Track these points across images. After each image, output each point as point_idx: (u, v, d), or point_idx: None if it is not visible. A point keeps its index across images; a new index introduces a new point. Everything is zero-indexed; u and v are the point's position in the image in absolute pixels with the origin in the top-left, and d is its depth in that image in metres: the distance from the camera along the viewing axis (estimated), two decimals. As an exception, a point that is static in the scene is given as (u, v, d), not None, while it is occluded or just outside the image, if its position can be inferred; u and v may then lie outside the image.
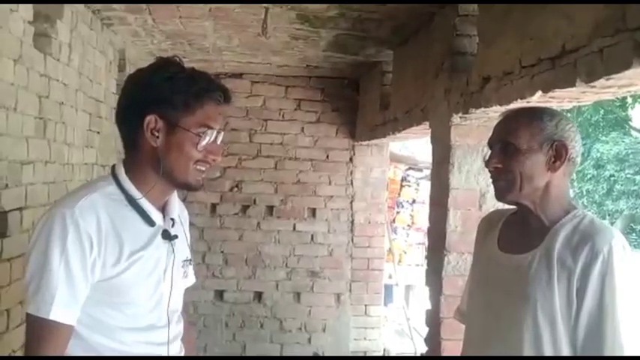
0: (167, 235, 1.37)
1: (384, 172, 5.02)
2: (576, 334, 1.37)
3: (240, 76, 4.82)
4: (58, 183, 2.77)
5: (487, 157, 1.55)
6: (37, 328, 1.22)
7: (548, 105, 1.87)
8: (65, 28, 2.82)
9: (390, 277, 6.27)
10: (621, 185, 16.24)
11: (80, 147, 3.12)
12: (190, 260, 1.48)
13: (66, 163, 2.92)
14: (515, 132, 1.47)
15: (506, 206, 1.64)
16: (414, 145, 6.60)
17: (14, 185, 2.34)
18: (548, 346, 1.40)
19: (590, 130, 19.31)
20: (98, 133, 3.32)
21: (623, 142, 18.19)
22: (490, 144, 1.56)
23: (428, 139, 3.07)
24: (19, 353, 2.44)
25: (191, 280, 1.51)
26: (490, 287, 1.56)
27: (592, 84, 1.56)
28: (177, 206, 1.44)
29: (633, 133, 19.65)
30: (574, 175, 1.56)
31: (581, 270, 1.36)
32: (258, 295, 4.85)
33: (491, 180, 1.56)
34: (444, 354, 2.63)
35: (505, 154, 1.48)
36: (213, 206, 4.83)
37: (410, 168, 6.72)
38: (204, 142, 1.31)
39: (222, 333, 4.75)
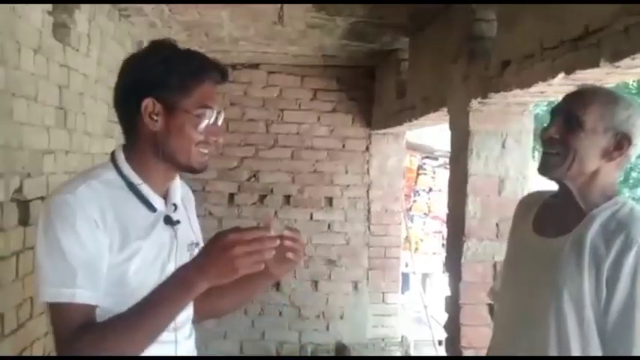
0: (169, 221, 1.33)
1: (400, 160, 5.01)
2: (605, 323, 1.34)
3: (256, 66, 4.82)
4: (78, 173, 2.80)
5: (547, 125, 1.45)
6: (63, 314, 1.16)
7: (569, 87, 1.86)
8: (84, 18, 2.84)
9: (407, 265, 6.27)
10: (638, 173, 16.02)
11: (100, 137, 3.15)
12: (197, 244, 1.42)
13: (87, 152, 2.95)
14: (586, 107, 1.37)
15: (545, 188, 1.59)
16: (430, 133, 6.56)
17: (36, 175, 2.38)
18: (574, 335, 1.37)
19: (608, 117, 19.03)
20: (117, 123, 3.34)
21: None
22: (552, 112, 1.45)
23: (444, 126, 3.06)
24: (42, 341, 2.49)
25: None
26: (521, 269, 1.53)
27: (617, 64, 1.55)
28: (179, 191, 1.40)
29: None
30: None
31: (613, 259, 1.32)
32: (277, 283, 4.86)
33: (541, 150, 1.45)
34: (464, 340, 2.64)
35: (566, 126, 1.39)
36: (231, 196, 4.85)
37: (426, 156, 6.69)
38: (204, 124, 1.27)
39: (242, 320, 4.79)
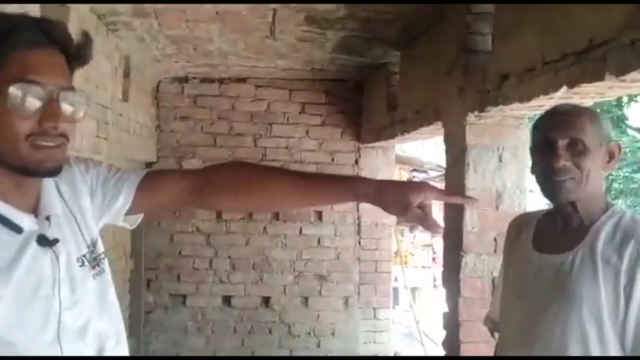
0: (45, 241, 1.01)
1: (389, 173, 4.99)
2: (625, 332, 1.34)
3: (244, 80, 4.78)
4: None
5: (548, 155, 1.42)
6: None
7: (571, 101, 1.84)
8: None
9: (397, 279, 6.24)
10: (619, 184, 16.21)
11: (89, 153, 3.07)
12: (90, 250, 1.11)
13: (74, 169, 2.86)
14: (584, 129, 1.40)
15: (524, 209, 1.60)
16: (414, 146, 6.56)
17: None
18: (595, 345, 1.36)
19: (588, 129, 19.29)
20: (105, 139, 3.27)
21: (620, 140, 18.23)
22: (551, 140, 1.42)
23: (435, 140, 3.05)
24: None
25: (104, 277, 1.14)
26: (528, 290, 1.51)
27: (622, 77, 1.54)
28: (54, 198, 1.08)
29: (630, 131, 19.69)
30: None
31: (627, 267, 1.33)
32: (266, 300, 4.80)
33: (549, 179, 1.43)
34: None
35: (572, 151, 1.40)
36: (219, 211, 4.79)
37: (415, 170, 6.69)
38: (16, 103, 0.92)
39: (231, 339, 4.70)
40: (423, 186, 1.14)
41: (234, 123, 4.78)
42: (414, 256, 6.32)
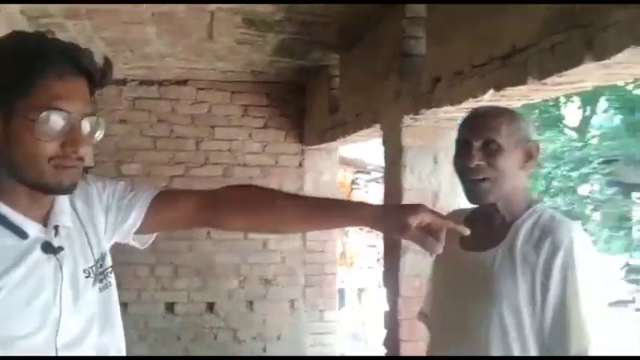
0: (49, 248, 1.08)
1: (334, 175, 5.02)
2: (542, 328, 1.39)
3: (184, 82, 4.71)
4: None
5: (464, 155, 1.48)
6: None
7: (498, 103, 1.90)
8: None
9: (343, 281, 6.28)
10: (558, 182, 16.83)
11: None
12: (99, 263, 1.20)
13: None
14: (498, 130, 1.44)
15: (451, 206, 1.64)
16: (362, 147, 6.63)
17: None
18: (515, 342, 1.41)
19: (528, 129, 19.96)
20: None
21: (558, 140, 18.90)
22: (466, 140, 1.48)
23: (377, 141, 3.08)
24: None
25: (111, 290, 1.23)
26: (455, 286, 1.56)
27: (543, 81, 1.59)
28: (66, 211, 1.16)
29: (567, 131, 20.49)
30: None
31: (543, 264, 1.38)
32: (211, 306, 4.74)
33: (467, 179, 1.48)
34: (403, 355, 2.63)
35: (487, 151, 1.44)
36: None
37: (359, 171, 6.76)
38: (44, 130, 0.99)
39: (174, 346, 4.62)
40: (418, 208, 1.17)
41: (175, 126, 4.70)
42: (358, 256, 6.38)
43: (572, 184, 16.19)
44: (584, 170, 15.54)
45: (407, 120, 2.59)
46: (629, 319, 6.50)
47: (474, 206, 1.57)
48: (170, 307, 4.68)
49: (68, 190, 1.08)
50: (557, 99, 19.90)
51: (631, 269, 6.55)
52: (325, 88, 4.15)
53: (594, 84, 1.68)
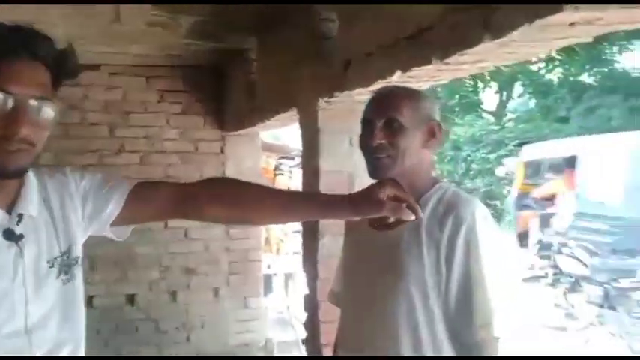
0: (11, 235, 1.11)
1: (256, 161, 4.97)
2: (447, 303, 1.42)
3: (97, 67, 4.50)
4: None
5: (367, 134, 1.51)
6: None
7: (408, 84, 1.93)
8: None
9: (269, 266, 6.27)
10: (477, 165, 17.49)
11: None
12: (66, 254, 1.20)
13: None
14: (400, 109, 1.47)
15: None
16: (288, 133, 6.61)
17: None
18: (422, 316, 1.44)
19: (448, 114, 20.64)
20: None
21: (477, 124, 19.64)
22: (369, 120, 1.52)
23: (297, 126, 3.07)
24: None
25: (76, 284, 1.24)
26: (364, 265, 1.58)
27: (446, 60, 1.62)
28: (33, 200, 1.18)
29: (485, 115, 21.30)
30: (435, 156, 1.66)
31: (447, 239, 1.42)
32: (131, 298, 4.61)
33: (370, 157, 1.52)
34: (323, 337, 2.65)
35: (388, 130, 1.47)
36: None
37: (282, 157, 6.74)
38: None
39: (94, 339, 4.45)
40: (384, 183, 1.20)
41: (88, 113, 4.50)
42: (284, 242, 6.38)
43: (489, 166, 16.86)
44: (501, 152, 16.21)
45: (322, 103, 2.59)
46: (541, 294, 6.84)
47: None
48: (89, 300, 4.50)
49: (15, 174, 1.09)
50: (476, 84, 20.65)
51: (543, 246, 6.90)
52: (244, 73, 4.09)
53: (495, 63, 1.73)
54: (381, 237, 1.53)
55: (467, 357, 1.44)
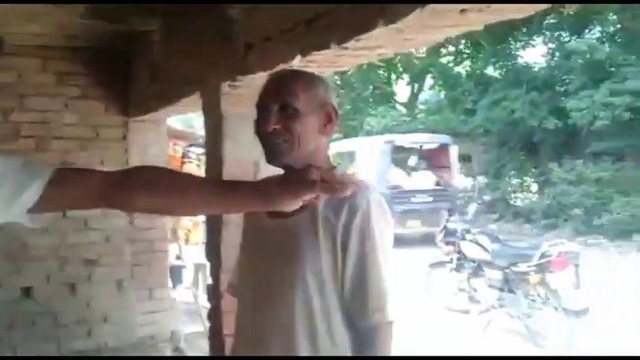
0: None
1: (162, 149, 4.80)
2: (344, 290, 1.42)
3: (-14, 46, 4.19)
4: None
5: (262, 119, 1.49)
6: None
7: (308, 70, 1.91)
8: None
9: (178, 257, 6.11)
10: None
11: None
12: None
13: None
14: (295, 94, 1.44)
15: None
16: (195, 120, 6.44)
17: None
18: (318, 306, 1.43)
19: (362, 104, 20.97)
20: None
21: (390, 115, 20.08)
22: (264, 104, 1.49)
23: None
24: None
25: None
26: (261, 255, 1.55)
27: (344, 45, 1.62)
28: None
29: (398, 106, 21.83)
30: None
31: (342, 226, 1.42)
32: (27, 291, 4.34)
33: (266, 142, 1.49)
34: (226, 327, 2.61)
35: (283, 115, 1.44)
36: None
37: (191, 144, 6.57)
38: None
39: (-14, 338, 4.18)
40: (307, 167, 1.17)
41: (-22, 96, 4.18)
42: (191, 232, 6.23)
43: (401, 156, 17.25)
44: (412, 143, 16.60)
45: (225, 87, 2.53)
46: (447, 279, 7.10)
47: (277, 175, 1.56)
48: (-21, 295, 4.21)
49: None
50: (389, 76, 21.07)
51: (448, 232, 7.15)
52: (147, 56, 3.93)
53: (394, 50, 1.74)
54: (277, 225, 1.51)
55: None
